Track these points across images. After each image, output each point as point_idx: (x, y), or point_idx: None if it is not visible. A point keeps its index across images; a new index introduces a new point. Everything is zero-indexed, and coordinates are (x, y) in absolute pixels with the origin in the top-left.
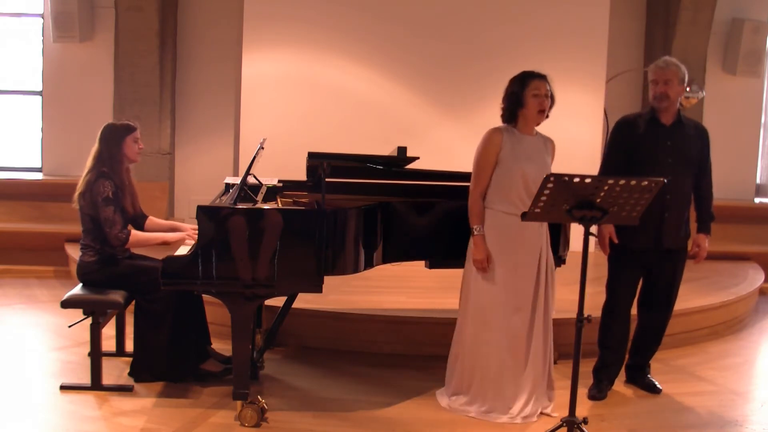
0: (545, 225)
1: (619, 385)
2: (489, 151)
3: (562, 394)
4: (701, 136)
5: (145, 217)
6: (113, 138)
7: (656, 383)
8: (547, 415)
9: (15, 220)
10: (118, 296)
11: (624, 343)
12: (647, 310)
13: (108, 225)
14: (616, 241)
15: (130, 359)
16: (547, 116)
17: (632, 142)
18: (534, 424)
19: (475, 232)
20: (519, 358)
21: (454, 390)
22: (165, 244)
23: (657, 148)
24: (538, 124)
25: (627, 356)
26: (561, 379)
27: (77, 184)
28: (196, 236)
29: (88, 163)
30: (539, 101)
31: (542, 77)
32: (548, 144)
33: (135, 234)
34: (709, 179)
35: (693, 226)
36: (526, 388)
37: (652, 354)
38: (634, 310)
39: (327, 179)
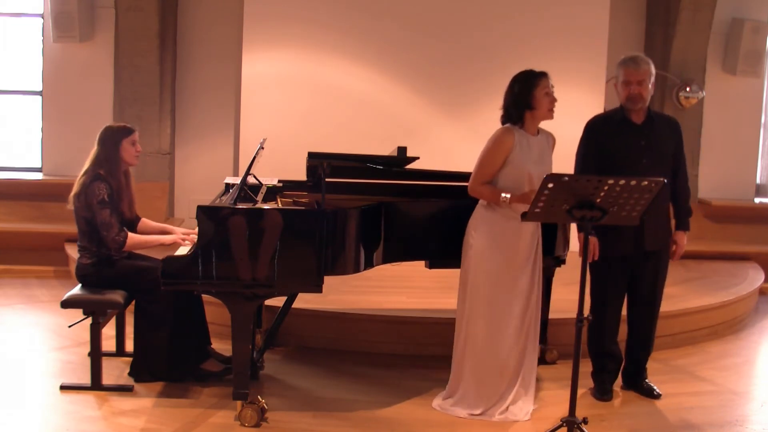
0: (539, 229)
1: (619, 385)
2: (499, 151)
3: (562, 394)
4: (674, 131)
5: (138, 219)
6: (110, 140)
7: (654, 388)
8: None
9: (15, 220)
10: (118, 296)
11: (618, 347)
12: (632, 315)
13: (105, 228)
14: (596, 257)
15: (130, 359)
16: None
17: (605, 143)
18: (534, 424)
19: (505, 198)
20: (510, 358)
21: (447, 392)
22: (162, 245)
23: (631, 149)
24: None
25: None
26: (561, 379)
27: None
28: (189, 238)
29: (86, 164)
30: (551, 99)
31: (547, 75)
32: (549, 140)
33: (132, 236)
34: (684, 173)
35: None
36: (517, 387)
37: (645, 360)
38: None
39: (327, 179)
